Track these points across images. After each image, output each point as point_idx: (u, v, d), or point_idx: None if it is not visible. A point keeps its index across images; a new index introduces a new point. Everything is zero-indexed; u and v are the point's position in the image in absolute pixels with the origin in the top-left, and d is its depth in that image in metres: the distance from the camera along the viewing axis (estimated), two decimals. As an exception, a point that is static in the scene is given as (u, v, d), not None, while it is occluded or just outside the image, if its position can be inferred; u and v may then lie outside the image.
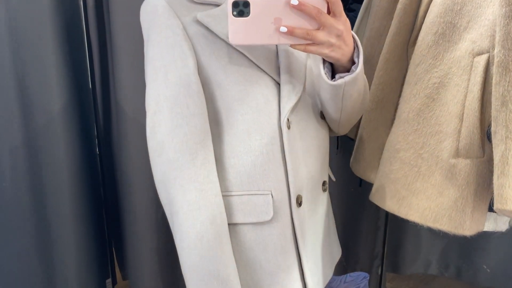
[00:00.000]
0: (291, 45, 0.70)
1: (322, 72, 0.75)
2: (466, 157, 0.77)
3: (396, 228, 1.87)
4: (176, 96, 0.75)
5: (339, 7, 0.68)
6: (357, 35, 1.23)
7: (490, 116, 0.72)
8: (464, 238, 1.82)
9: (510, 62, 0.67)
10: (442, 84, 0.84)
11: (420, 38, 0.91)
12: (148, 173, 1.62)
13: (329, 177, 0.97)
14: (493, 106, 0.68)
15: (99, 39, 1.47)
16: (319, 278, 0.88)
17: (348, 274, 2.21)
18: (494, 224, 0.99)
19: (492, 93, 0.68)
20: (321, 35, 0.68)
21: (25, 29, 1.29)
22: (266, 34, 0.69)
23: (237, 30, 0.68)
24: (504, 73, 0.67)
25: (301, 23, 0.68)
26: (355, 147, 1.10)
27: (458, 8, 0.81)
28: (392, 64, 0.99)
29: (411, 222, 1.71)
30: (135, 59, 1.39)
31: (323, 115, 0.88)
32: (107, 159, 1.68)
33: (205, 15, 0.77)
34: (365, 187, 1.74)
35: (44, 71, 1.33)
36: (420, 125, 0.86)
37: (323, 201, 0.90)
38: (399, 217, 1.88)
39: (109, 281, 1.87)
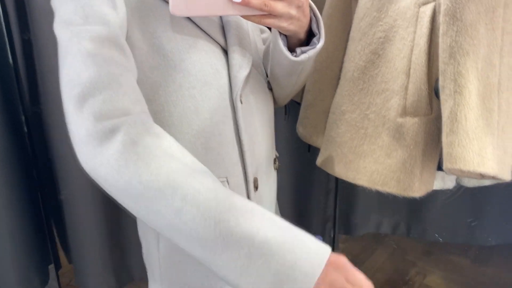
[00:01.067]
0: (244, 17, 0.60)
1: (283, 48, 0.66)
2: (414, 116, 0.72)
3: (347, 190, 1.88)
4: (91, 51, 0.58)
5: None
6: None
7: (437, 70, 0.67)
8: (414, 200, 1.85)
9: (458, 10, 0.61)
10: (388, 39, 0.78)
11: (363, -11, 0.85)
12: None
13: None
14: (440, 59, 0.63)
15: None
16: None
17: (302, 239, 2.22)
18: (441, 182, 0.98)
19: (440, 44, 0.63)
20: (280, 6, 0.59)
21: None
22: (215, 3, 0.59)
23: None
24: (451, 22, 0.61)
25: None
26: (300, 111, 1.04)
27: (402, -46, 0.75)
28: (336, 18, 0.93)
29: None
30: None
31: (269, 86, 0.79)
32: (37, 138, 1.56)
33: None
34: (314, 151, 1.72)
35: None
36: (365, 83, 0.81)
37: (274, 180, 0.82)
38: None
39: (52, 266, 1.78)
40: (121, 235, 1.75)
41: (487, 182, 0.99)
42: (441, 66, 0.63)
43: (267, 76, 0.78)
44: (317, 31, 0.67)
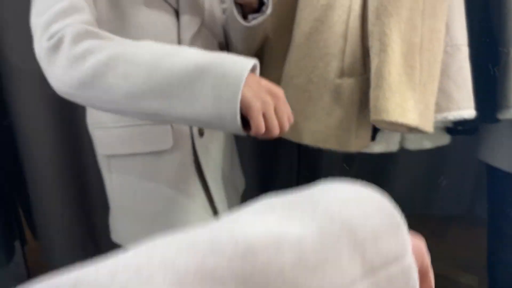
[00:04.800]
0: None
1: (237, 15, 0.75)
2: (350, 76, 0.78)
3: (309, 164, 1.94)
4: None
5: None
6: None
7: (370, 32, 0.73)
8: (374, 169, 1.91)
9: (384, -24, 0.67)
10: (329, 6, 0.83)
11: (309, -40, 0.89)
12: (48, 121, 1.52)
13: None
14: (369, 21, 0.69)
15: None
16: (225, 206, 0.90)
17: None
18: (385, 145, 1.04)
19: (368, 7, 0.68)
20: None
21: None
22: None
23: None
24: (378, -14, 0.67)
25: None
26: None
27: None
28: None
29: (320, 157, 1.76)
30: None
31: (221, 46, 0.88)
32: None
33: None
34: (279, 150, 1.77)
35: None
36: (310, 49, 0.86)
37: (219, 133, 0.89)
38: (311, 154, 1.93)
39: (17, 242, 1.78)
40: (87, 208, 1.76)
41: (427, 146, 1.06)
42: (369, 27, 0.69)
43: (225, 39, 0.87)
44: (266, 0, 0.76)
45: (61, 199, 1.67)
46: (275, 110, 0.57)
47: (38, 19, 0.62)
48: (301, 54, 0.88)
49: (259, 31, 0.79)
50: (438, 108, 0.73)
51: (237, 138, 1.08)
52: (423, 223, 2.06)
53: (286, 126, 0.58)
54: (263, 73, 1.07)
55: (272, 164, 2.00)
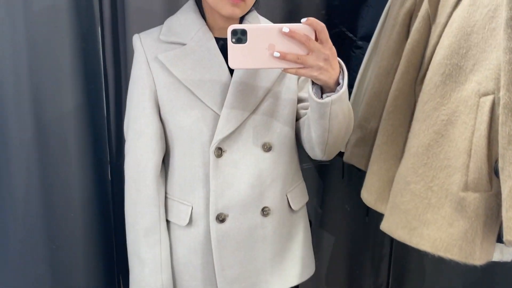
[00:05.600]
0: (284, 69, 0.79)
1: (311, 92, 0.84)
2: (475, 191, 0.82)
3: (401, 258, 1.90)
4: (134, 116, 1.00)
5: (325, 34, 0.77)
6: (365, 71, 1.30)
7: (497, 152, 0.77)
8: (467, 271, 1.84)
9: (515, 104, 0.73)
10: (450, 121, 0.89)
11: (427, 77, 0.98)
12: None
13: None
14: (500, 145, 0.73)
15: (113, 51, 1.50)
16: (244, 283, 1.02)
17: (352, 303, 2.22)
18: (500, 254, 1.03)
19: (499, 132, 0.74)
20: (310, 59, 0.77)
21: (42, 39, 1.30)
22: (262, 59, 0.77)
23: (236, 55, 0.77)
24: (509, 114, 0.72)
25: (292, 49, 0.76)
26: (365, 178, 1.15)
27: (464, 51, 0.88)
28: (401, 100, 1.06)
29: (415, 252, 1.74)
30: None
31: (267, 148, 0.99)
32: (118, 188, 1.70)
33: (165, 56, 0.96)
34: (370, 217, 1.79)
35: (59, 78, 1.34)
36: (429, 159, 0.92)
37: (265, 224, 1.01)
38: (404, 246, 1.91)
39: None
40: None
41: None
42: (500, 150, 0.73)
43: (301, 128, 1.02)
44: (341, 81, 0.82)
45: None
46: None
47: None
48: (420, 163, 0.93)
49: (335, 111, 0.84)
50: None
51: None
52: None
53: None
54: (373, 175, 1.14)
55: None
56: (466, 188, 0.83)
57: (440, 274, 1.91)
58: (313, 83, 0.84)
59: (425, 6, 1.03)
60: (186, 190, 1.00)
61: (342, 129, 0.91)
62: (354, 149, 1.26)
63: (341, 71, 0.83)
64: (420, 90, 1.02)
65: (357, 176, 1.82)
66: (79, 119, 1.40)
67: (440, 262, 1.87)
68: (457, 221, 0.84)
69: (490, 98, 0.80)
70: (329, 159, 1.02)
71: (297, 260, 1.08)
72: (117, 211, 1.68)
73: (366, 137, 1.22)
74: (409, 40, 1.06)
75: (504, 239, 0.72)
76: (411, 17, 1.11)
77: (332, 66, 0.79)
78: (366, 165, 1.21)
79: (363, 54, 1.33)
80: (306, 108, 1.00)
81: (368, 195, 1.13)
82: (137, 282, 1.01)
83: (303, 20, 0.76)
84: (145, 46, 0.98)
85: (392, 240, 1.87)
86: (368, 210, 1.71)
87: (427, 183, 0.91)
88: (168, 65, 0.95)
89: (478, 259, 0.81)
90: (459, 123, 0.87)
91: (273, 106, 0.99)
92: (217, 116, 0.95)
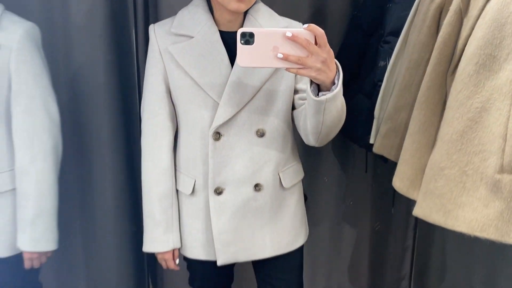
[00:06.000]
0: (287, 69, 0.89)
1: (309, 90, 0.95)
2: (511, 173, 0.86)
3: (423, 250, 1.93)
4: (148, 99, 1.15)
5: (323, 39, 0.87)
6: (394, 65, 1.34)
7: (533, 135, 0.81)
8: (489, 263, 1.87)
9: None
10: (484, 109, 0.94)
11: (460, 68, 1.02)
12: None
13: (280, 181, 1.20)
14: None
15: (145, 34, 1.57)
16: (237, 247, 1.17)
17: (373, 297, 2.25)
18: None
19: (536, 115, 0.78)
20: (310, 61, 0.87)
21: (79, 36, 1.42)
22: (267, 59, 0.87)
23: (244, 55, 0.87)
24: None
25: (294, 51, 0.86)
26: (397, 167, 1.19)
27: (498, 42, 0.93)
28: (433, 91, 1.10)
29: (438, 245, 1.78)
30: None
31: (260, 134, 1.13)
32: None
33: (174, 47, 1.09)
34: (397, 207, 1.83)
35: (94, 72, 1.46)
36: (464, 145, 0.96)
37: (257, 197, 1.16)
38: (427, 239, 1.94)
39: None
40: None
41: None
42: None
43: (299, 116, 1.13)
44: (336, 82, 0.93)
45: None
46: None
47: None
48: (454, 149, 0.98)
49: (329, 107, 0.96)
50: None
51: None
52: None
53: None
54: (405, 163, 1.18)
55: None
56: (502, 170, 0.87)
57: (462, 267, 1.94)
58: (311, 82, 0.94)
59: (456, 1, 1.07)
60: (189, 166, 1.16)
61: (335, 122, 1.03)
62: (384, 140, 1.31)
63: (337, 72, 0.93)
64: (452, 81, 1.06)
65: (380, 169, 1.87)
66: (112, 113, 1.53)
67: (461, 255, 1.90)
68: (492, 202, 0.88)
69: (525, 84, 0.85)
70: (321, 146, 1.14)
71: (287, 230, 1.22)
72: None
73: (396, 128, 1.27)
74: (440, 33, 1.10)
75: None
76: (441, 11, 1.15)
77: (329, 67, 0.89)
78: (396, 156, 1.26)
79: (391, 49, 1.38)
80: (304, 99, 1.10)
81: (401, 183, 1.17)
82: (150, 240, 1.19)
83: (304, 26, 0.86)
84: (158, 37, 1.11)
85: (415, 233, 1.91)
86: (393, 202, 1.75)
87: (462, 167, 0.95)
88: (176, 56, 1.09)
89: (514, 238, 0.85)
90: (493, 109, 0.92)
91: (268, 97, 1.11)
92: (216, 104, 1.09)
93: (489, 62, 0.95)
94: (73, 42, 1.45)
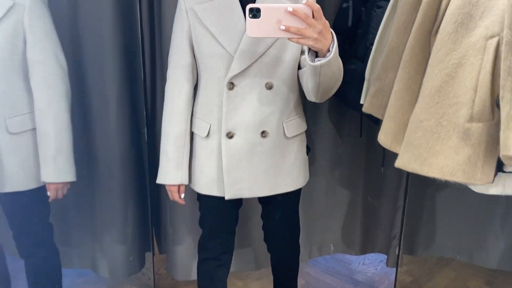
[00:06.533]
0: (288, 39, 1.04)
1: (307, 57, 1.11)
2: (479, 121, 0.94)
3: (414, 211, 2.02)
4: (174, 51, 1.32)
5: (320, 13, 1.01)
6: (385, 28, 1.41)
7: (499, 86, 0.89)
8: (477, 223, 1.95)
9: (515, 41, 0.84)
10: (460, 64, 1.01)
11: (441, 27, 1.09)
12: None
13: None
14: (501, 76, 0.85)
15: (151, 46, 1.70)
16: (243, 184, 1.35)
17: (366, 257, 2.37)
18: (502, 188, 1.16)
19: (501, 66, 0.85)
20: (308, 32, 1.01)
21: (87, 37, 1.56)
22: (271, 30, 1.02)
23: (252, 27, 1.02)
24: (510, 50, 0.84)
25: (294, 24, 1.01)
26: (383, 123, 1.27)
27: (475, 1, 0.99)
28: (417, 50, 1.17)
29: (428, 205, 1.86)
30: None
31: (268, 86, 1.28)
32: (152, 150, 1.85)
33: (198, 7, 1.25)
34: (386, 168, 1.91)
35: (102, 71, 1.59)
36: (440, 98, 1.04)
37: (262, 143, 1.32)
38: (417, 200, 2.02)
39: (148, 254, 2.05)
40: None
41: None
42: (501, 81, 0.85)
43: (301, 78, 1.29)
44: (331, 49, 1.07)
45: (187, 223, 1.91)
46: None
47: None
48: (432, 102, 1.06)
49: (324, 71, 1.11)
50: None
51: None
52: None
53: None
54: (390, 119, 1.26)
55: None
56: (471, 119, 0.95)
57: (451, 227, 2.03)
58: (309, 49, 1.10)
59: (441, -36, 1.13)
60: (206, 112, 1.34)
61: (331, 83, 1.20)
62: (373, 100, 1.38)
63: (332, 41, 1.06)
64: (434, 41, 1.13)
65: (373, 133, 1.94)
66: (120, 107, 1.67)
67: (450, 216, 1.99)
68: (462, 149, 0.96)
69: (495, 39, 0.92)
70: (321, 102, 1.29)
71: (287, 174, 1.39)
72: (152, 185, 1.84)
73: (384, 88, 1.34)
74: (425, -5, 1.17)
75: (501, 154, 0.84)
76: (429, -25, 1.21)
77: (325, 37, 1.03)
78: (383, 115, 1.34)
79: (384, 13, 1.44)
80: None
81: (385, 138, 1.25)
82: (163, 174, 1.39)
83: (303, 1, 1.01)
84: None
85: (406, 193, 2.00)
86: (383, 162, 1.84)
87: (438, 119, 1.03)
88: (200, 14, 1.25)
89: (479, 180, 0.94)
90: (468, 64, 0.99)
91: (277, 54, 1.25)
92: (231, 58, 1.24)
93: (466, 21, 1.01)
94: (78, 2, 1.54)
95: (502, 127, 0.84)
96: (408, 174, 1.92)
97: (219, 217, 1.47)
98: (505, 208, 1.94)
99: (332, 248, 2.20)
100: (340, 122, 1.98)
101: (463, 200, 1.94)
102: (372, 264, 2.33)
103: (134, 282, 2.08)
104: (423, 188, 1.98)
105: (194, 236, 1.92)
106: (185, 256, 1.95)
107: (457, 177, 0.96)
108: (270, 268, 1.75)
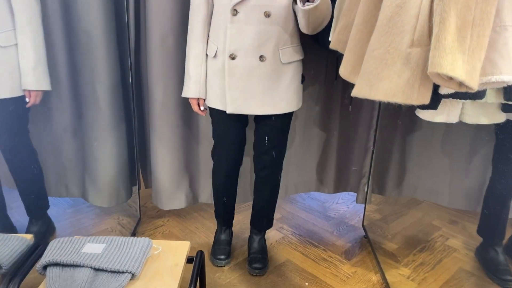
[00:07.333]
0: None
1: (298, 2, 1.38)
2: (418, 46, 1.03)
3: (383, 152, 2.15)
4: None
5: None
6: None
7: (436, 13, 0.98)
8: (444, 165, 2.07)
9: (449, -30, 0.92)
10: (408, -4, 1.09)
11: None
12: (170, 92, 1.91)
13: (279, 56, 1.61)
14: (434, 2, 0.94)
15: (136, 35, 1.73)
16: (242, 102, 1.60)
17: (340, 196, 2.51)
18: (447, 116, 1.27)
19: (435, -7, 0.94)
20: None
21: (79, 35, 1.68)
22: None
23: None
24: (444, -22, 0.92)
25: None
26: (344, 56, 1.36)
27: None
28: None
29: (395, 146, 1.97)
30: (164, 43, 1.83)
31: (267, 15, 1.50)
32: (138, 89, 1.96)
33: None
34: (354, 110, 2.02)
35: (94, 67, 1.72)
36: (390, 28, 1.12)
37: (260, 66, 1.57)
38: (387, 142, 2.14)
39: (135, 188, 2.20)
40: (190, 165, 2.14)
41: (484, 121, 1.26)
42: (434, 6, 0.94)
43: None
44: None
45: (171, 154, 2.04)
46: None
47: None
48: (383, 32, 1.14)
49: (313, 14, 1.34)
50: (484, 72, 0.95)
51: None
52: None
53: None
54: (349, 52, 1.35)
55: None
56: (412, 44, 1.05)
57: (419, 168, 2.15)
58: None
59: None
60: (215, 35, 1.61)
61: (319, 22, 1.46)
62: (338, 36, 1.47)
63: None
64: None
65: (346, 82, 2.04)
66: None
67: (419, 157, 2.11)
68: (403, 72, 1.06)
69: (436, -30, 0.99)
70: (313, 34, 1.50)
71: (282, 97, 1.63)
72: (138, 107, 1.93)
73: (348, 24, 1.42)
74: None
75: (428, 71, 0.94)
76: None
77: None
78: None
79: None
80: None
81: (344, 70, 1.35)
82: (185, 89, 1.69)
83: None
84: None
85: (375, 135, 2.12)
86: (351, 101, 1.95)
87: (386, 47, 1.13)
88: None
89: (415, 100, 1.04)
90: (414, -5, 1.07)
91: None
92: None
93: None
94: None
95: (431, 47, 0.93)
96: (378, 116, 2.04)
97: (226, 130, 1.71)
98: (469, 151, 2.06)
99: (307, 185, 2.34)
100: (318, 68, 2.07)
101: (430, 143, 2.05)
102: (345, 203, 2.49)
103: (122, 213, 2.23)
104: (392, 130, 2.10)
105: (174, 172, 2.05)
106: (168, 187, 2.09)
107: (397, 98, 1.07)
108: (250, 203, 1.90)
